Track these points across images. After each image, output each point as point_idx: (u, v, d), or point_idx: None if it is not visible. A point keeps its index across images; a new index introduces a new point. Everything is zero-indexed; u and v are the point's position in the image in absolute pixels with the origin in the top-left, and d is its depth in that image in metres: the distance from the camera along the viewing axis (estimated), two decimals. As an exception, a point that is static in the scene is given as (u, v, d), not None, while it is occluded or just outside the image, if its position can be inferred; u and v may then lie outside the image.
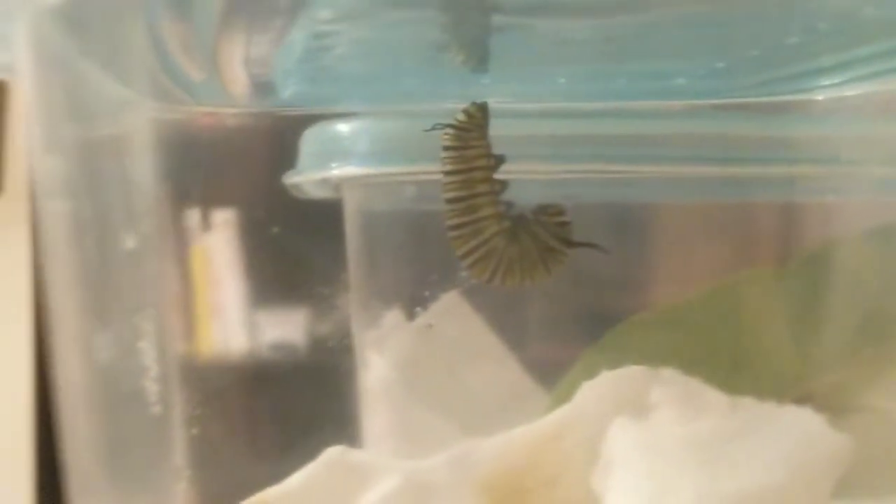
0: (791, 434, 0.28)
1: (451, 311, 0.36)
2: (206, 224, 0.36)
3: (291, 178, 0.36)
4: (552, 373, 0.35)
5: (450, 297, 0.36)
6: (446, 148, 0.29)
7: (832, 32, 0.27)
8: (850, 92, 0.31)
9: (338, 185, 0.37)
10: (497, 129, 0.29)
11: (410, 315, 0.36)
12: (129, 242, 0.27)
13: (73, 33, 0.26)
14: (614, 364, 0.30)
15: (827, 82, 0.31)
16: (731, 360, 0.33)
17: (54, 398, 0.27)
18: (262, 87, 0.33)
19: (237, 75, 0.31)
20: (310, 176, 0.36)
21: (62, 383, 0.27)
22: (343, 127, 0.34)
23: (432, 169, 0.30)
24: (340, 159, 0.35)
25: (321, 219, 0.37)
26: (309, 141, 0.36)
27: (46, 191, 0.27)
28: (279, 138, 0.35)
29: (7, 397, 1.50)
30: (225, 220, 0.37)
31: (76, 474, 0.27)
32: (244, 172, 0.37)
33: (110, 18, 0.26)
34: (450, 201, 0.29)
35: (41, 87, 0.27)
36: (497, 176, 0.30)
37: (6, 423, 1.49)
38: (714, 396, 0.29)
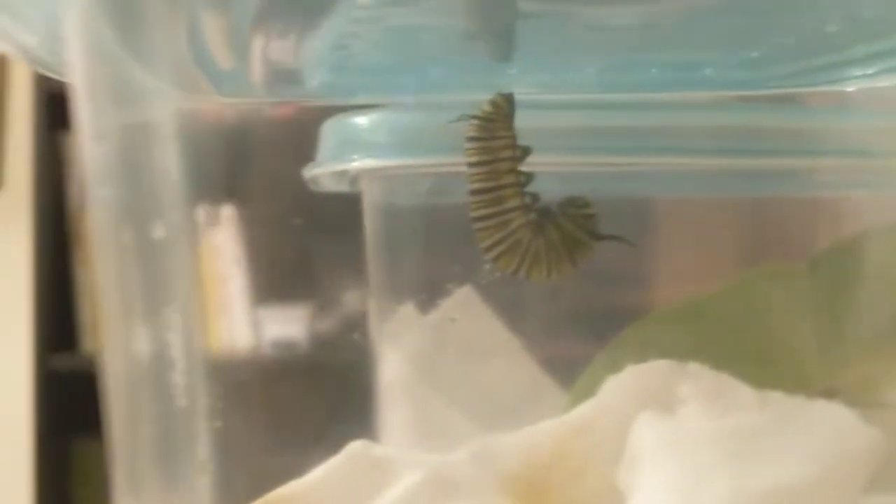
0: (822, 429, 0.27)
1: (464, 305, 0.36)
2: (228, 217, 0.35)
3: (310, 171, 0.36)
4: (566, 369, 0.35)
5: (463, 291, 0.36)
6: (471, 139, 0.29)
7: (876, 20, 0.26)
8: (881, 83, 0.31)
9: (356, 177, 0.36)
10: (523, 121, 0.29)
11: (431, 309, 0.36)
12: (160, 233, 0.27)
13: (117, 22, 0.26)
14: (637, 359, 0.30)
15: (858, 73, 0.31)
16: (755, 355, 0.32)
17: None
18: (290, 77, 0.33)
19: (267, 64, 0.31)
20: (328, 168, 0.36)
21: (108, 375, 0.27)
22: (362, 118, 0.34)
23: (455, 161, 0.29)
24: (360, 151, 0.34)
25: (342, 212, 0.37)
26: (328, 133, 0.35)
27: (94, 180, 0.27)
28: (304, 130, 0.35)
29: (7, 393, 1.50)
30: (247, 213, 0.36)
31: (121, 469, 0.27)
32: (266, 165, 0.36)
33: (148, 6, 0.26)
34: (475, 192, 0.29)
35: (89, 75, 0.27)
36: (523, 168, 0.29)
37: (5, 421, 1.49)
38: (743, 391, 0.29)
